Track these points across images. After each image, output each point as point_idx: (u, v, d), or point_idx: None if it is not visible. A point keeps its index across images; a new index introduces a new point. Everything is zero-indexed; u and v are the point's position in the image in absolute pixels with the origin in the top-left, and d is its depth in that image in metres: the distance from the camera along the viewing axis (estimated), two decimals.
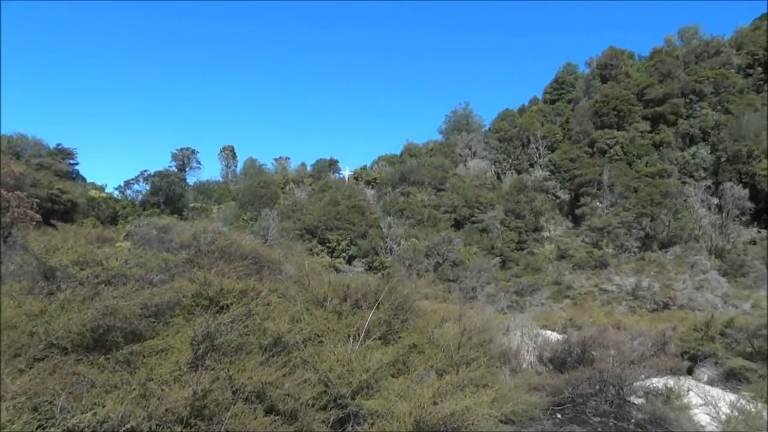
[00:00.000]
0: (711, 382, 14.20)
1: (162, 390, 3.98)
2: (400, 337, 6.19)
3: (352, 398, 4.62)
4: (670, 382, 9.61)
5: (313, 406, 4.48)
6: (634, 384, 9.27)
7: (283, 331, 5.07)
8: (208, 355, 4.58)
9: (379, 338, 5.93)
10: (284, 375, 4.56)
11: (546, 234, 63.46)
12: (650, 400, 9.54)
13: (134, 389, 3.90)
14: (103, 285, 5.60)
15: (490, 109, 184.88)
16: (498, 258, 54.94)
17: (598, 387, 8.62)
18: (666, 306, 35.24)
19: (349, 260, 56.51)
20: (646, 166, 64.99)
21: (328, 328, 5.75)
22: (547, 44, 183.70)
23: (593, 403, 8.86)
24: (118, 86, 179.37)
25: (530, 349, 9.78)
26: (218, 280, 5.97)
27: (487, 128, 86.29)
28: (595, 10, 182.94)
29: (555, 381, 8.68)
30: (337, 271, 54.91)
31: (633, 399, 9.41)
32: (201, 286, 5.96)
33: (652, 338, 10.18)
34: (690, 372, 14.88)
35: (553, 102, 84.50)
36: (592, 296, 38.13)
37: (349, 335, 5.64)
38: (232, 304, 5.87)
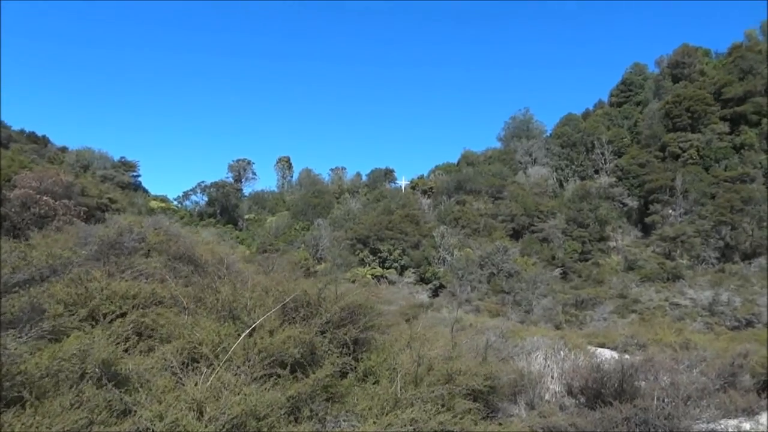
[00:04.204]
0: None
1: None
2: (323, 365, 4.47)
3: None
4: (745, 425, 7.34)
5: None
6: (694, 428, 7.08)
7: (112, 355, 3.54)
8: None
9: (290, 366, 4.26)
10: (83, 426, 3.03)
11: (612, 244, 59.35)
12: None
13: None
14: None
15: (551, 114, 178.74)
16: (559, 269, 51.66)
17: (638, 431, 6.54)
18: (749, 323, 31.30)
19: (401, 270, 54.84)
20: (726, 171, 59.61)
21: (217, 349, 4.15)
22: (613, 45, 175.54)
23: None
24: (178, 100, 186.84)
25: (555, 375, 7.78)
26: (97, 282, 4.54)
27: (548, 134, 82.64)
28: (664, 6, 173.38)
29: (582, 420, 6.66)
30: (389, 281, 53.48)
31: None
32: (79, 289, 4.52)
33: (716, 367, 7.92)
34: None
35: (620, 105, 79.75)
36: (662, 311, 34.55)
37: (246, 360, 4.03)
38: (110, 313, 4.38)
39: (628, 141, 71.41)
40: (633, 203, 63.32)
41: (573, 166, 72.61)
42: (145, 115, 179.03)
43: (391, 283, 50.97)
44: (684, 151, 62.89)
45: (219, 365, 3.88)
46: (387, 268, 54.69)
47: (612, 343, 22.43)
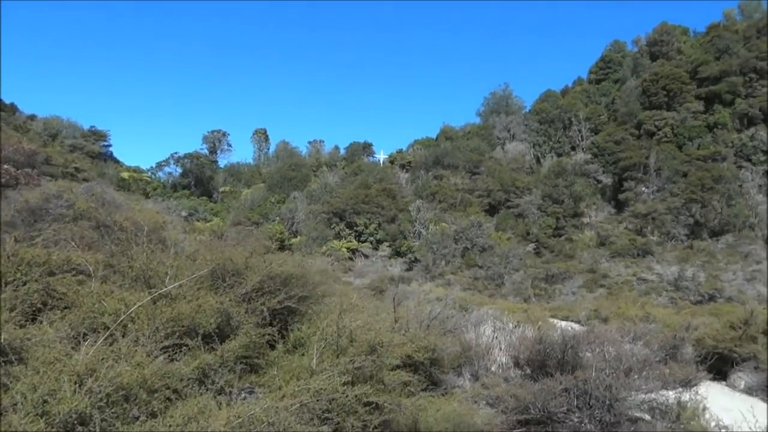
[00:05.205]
0: (749, 390, 11.80)
1: None
2: (238, 335, 4.33)
3: None
4: (684, 396, 7.44)
5: None
6: (634, 398, 7.16)
7: None
8: None
9: (201, 336, 4.11)
10: None
11: (586, 220, 60.05)
12: (656, 419, 7.43)
13: None
14: None
15: (531, 90, 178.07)
16: (532, 245, 52.21)
17: (576, 403, 6.57)
18: (712, 298, 32.04)
19: (377, 244, 54.88)
20: (698, 149, 60.40)
21: (121, 318, 3.97)
22: (594, 22, 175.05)
23: (575, 421, 6.83)
24: (151, 68, 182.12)
25: (503, 347, 7.79)
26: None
27: (527, 110, 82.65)
28: None
29: (522, 392, 6.67)
30: (364, 255, 53.51)
31: (632, 416, 7.31)
32: None
33: (659, 339, 8.01)
34: (724, 377, 12.52)
35: (598, 82, 79.91)
36: (629, 286, 35.20)
37: (153, 329, 3.87)
38: (15, 281, 4.17)
39: (605, 118, 71.80)
40: (607, 180, 64.00)
41: (550, 143, 72.94)
42: (117, 84, 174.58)
43: (366, 256, 51.04)
44: (659, 129, 63.48)
45: (117, 335, 3.71)
46: (362, 242, 54.68)
47: (576, 317, 22.85)
